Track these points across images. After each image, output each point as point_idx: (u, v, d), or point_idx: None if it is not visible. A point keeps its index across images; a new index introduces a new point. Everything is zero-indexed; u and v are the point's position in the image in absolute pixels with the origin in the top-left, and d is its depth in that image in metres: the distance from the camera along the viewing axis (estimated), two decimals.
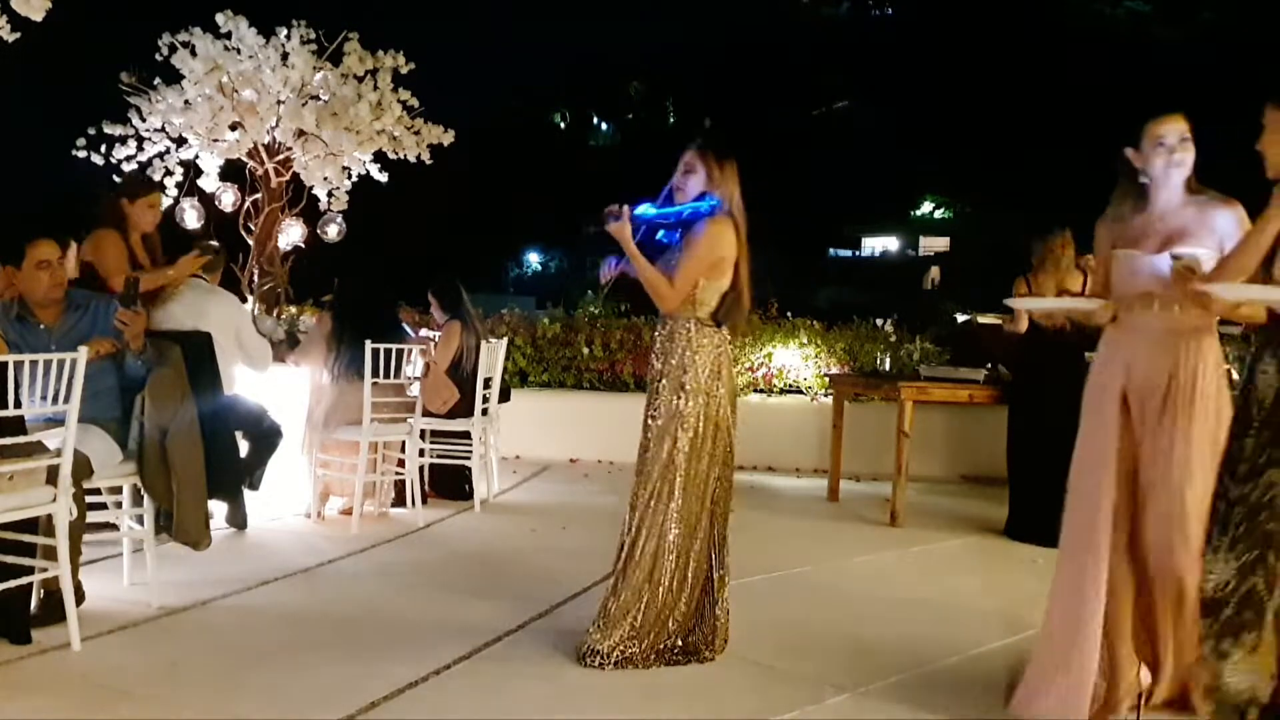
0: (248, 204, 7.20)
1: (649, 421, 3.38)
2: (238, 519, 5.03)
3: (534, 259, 76.98)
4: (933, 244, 74.31)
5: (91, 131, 6.88)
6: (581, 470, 7.53)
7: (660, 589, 3.29)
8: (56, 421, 3.30)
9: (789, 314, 8.72)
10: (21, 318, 3.71)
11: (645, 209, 3.38)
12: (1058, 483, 5.61)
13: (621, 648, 3.25)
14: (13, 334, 3.66)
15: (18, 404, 3.10)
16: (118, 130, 6.88)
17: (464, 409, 5.80)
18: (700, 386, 3.31)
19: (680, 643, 3.34)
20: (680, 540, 3.30)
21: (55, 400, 3.16)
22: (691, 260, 3.30)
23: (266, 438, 5.20)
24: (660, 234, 3.43)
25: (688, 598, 3.34)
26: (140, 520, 3.86)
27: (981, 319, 8.68)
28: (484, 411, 5.95)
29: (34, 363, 3.10)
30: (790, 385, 8.33)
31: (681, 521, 3.30)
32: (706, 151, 3.40)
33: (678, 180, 3.41)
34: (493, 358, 6.01)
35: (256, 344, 5.27)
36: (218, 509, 4.82)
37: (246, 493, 5.09)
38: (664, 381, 3.35)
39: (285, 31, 6.88)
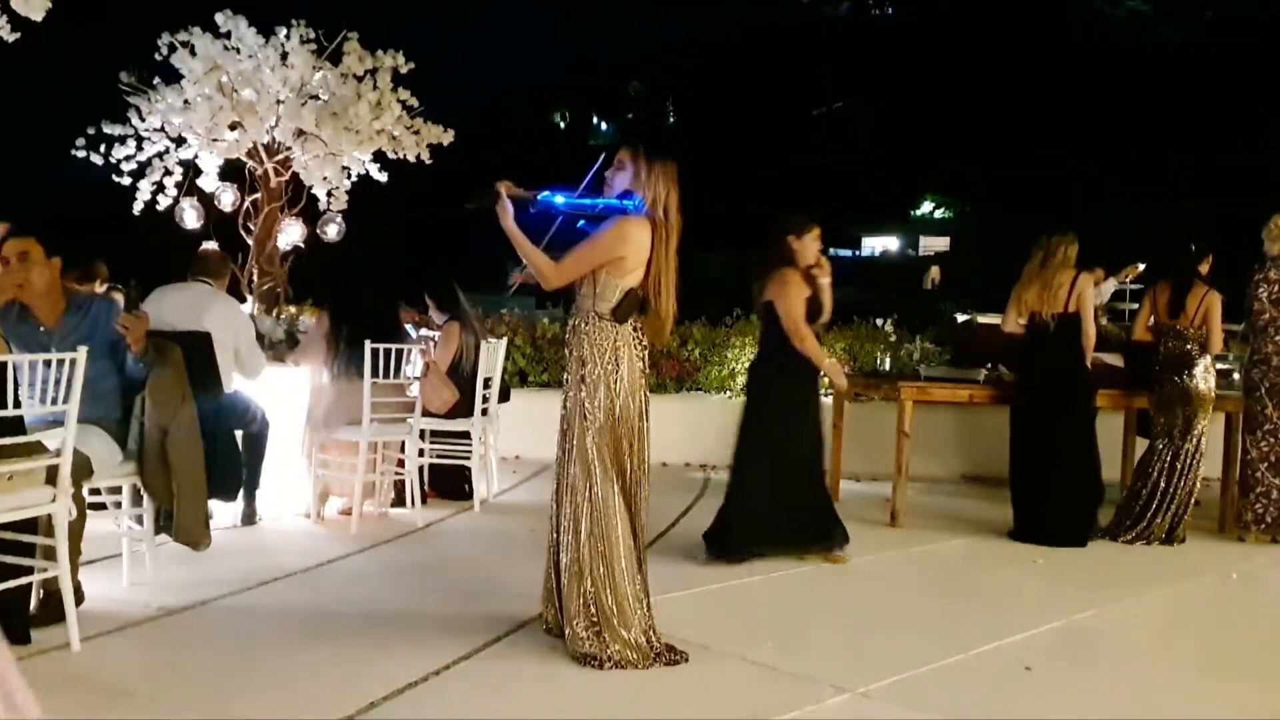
0: (247, 204, 7.19)
1: (561, 417, 3.43)
2: (250, 516, 5.12)
3: None
4: (933, 244, 74.33)
5: (91, 131, 6.88)
6: None
7: (601, 590, 3.27)
8: (58, 423, 3.30)
9: None
10: (23, 319, 3.71)
11: (550, 195, 3.34)
12: (1056, 482, 5.65)
13: (592, 651, 3.23)
14: (14, 335, 3.66)
15: (17, 404, 3.09)
16: (117, 130, 6.88)
17: (464, 409, 5.80)
18: (599, 379, 3.31)
19: (655, 643, 3.32)
20: (598, 531, 3.29)
21: (55, 401, 3.16)
22: (586, 249, 3.31)
23: (257, 437, 5.19)
24: (581, 224, 3.41)
25: (635, 592, 3.31)
26: (140, 520, 3.86)
27: (981, 319, 8.68)
28: (484, 411, 5.94)
29: (34, 363, 3.09)
30: None
31: (594, 511, 3.30)
32: (639, 151, 3.38)
33: (609, 175, 3.40)
34: (492, 358, 6.00)
35: (253, 353, 5.26)
36: (218, 509, 4.82)
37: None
38: (568, 375, 3.39)
39: (285, 31, 6.88)
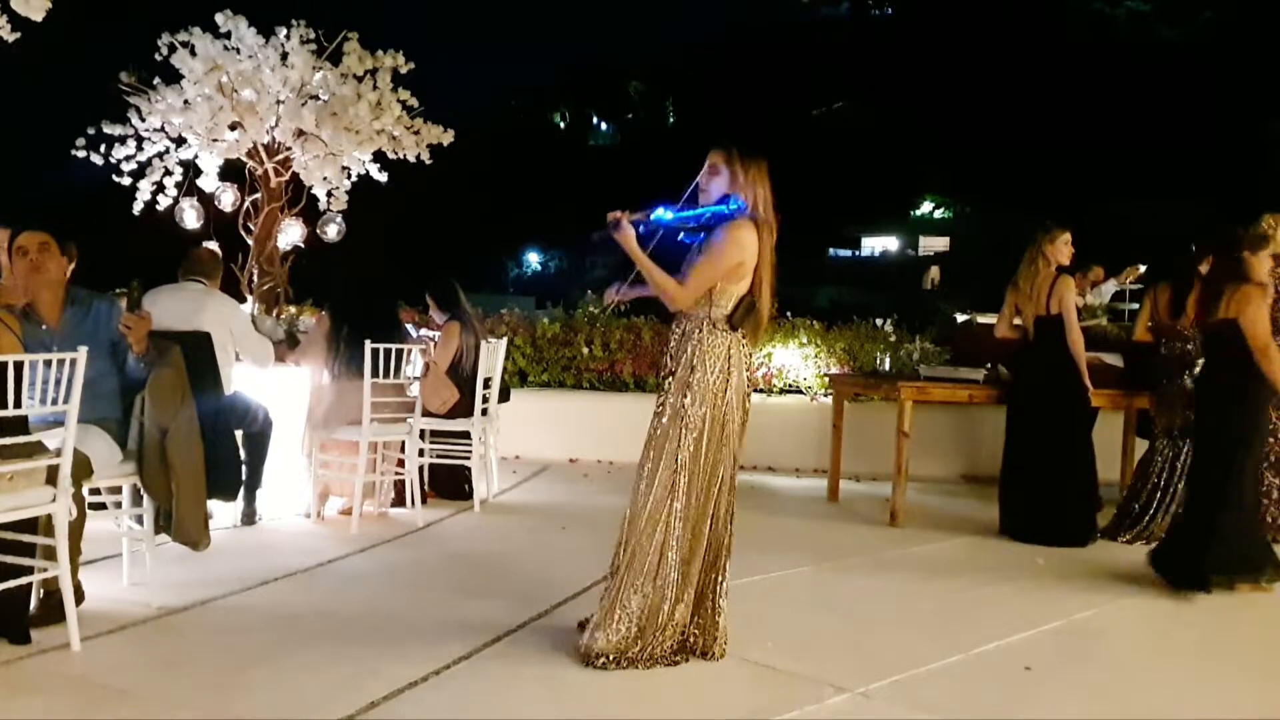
0: (247, 204, 7.19)
1: (655, 419, 3.36)
2: (250, 516, 5.11)
3: (534, 259, 77.11)
4: (933, 244, 74.32)
5: (91, 131, 6.87)
6: (581, 470, 7.53)
7: (662, 588, 3.26)
8: (59, 423, 3.30)
9: (789, 314, 8.71)
10: (26, 316, 3.71)
11: (662, 213, 3.33)
12: (1055, 482, 5.67)
13: (622, 647, 3.23)
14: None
15: (18, 404, 3.09)
16: (117, 130, 6.88)
17: (464, 409, 5.80)
18: (707, 387, 3.27)
19: (681, 644, 3.33)
20: (684, 540, 3.27)
21: (56, 401, 3.16)
22: (707, 264, 3.27)
23: (259, 437, 5.19)
24: (682, 236, 3.39)
25: (689, 598, 3.32)
26: (140, 520, 3.86)
27: (981, 319, 8.68)
28: (484, 411, 5.95)
29: (34, 363, 3.09)
30: (790, 385, 8.33)
31: (685, 521, 3.27)
32: (731, 151, 3.34)
33: (702, 180, 3.36)
34: (492, 358, 6.00)
35: (256, 342, 5.27)
36: (218, 509, 4.82)
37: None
38: (672, 380, 3.34)
39: (285, 31, 6.87)
